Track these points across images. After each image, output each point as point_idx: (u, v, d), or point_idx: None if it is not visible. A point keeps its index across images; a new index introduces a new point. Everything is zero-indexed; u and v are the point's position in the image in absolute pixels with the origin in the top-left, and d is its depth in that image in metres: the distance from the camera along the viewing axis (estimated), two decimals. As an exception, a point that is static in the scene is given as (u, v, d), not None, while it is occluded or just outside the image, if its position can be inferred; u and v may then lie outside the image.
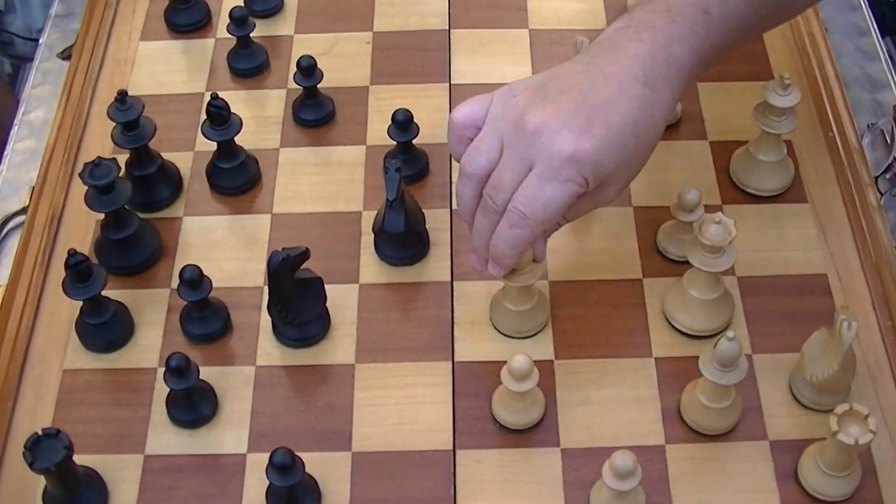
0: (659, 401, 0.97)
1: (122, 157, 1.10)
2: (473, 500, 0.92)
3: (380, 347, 1.01)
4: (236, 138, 1.11)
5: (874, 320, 1.03)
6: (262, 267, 1.06)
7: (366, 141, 1.17)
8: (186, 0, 1.28)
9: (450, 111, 1.19)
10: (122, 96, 1.06)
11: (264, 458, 0.87)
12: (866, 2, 1.44)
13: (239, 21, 1.20)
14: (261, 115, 1.20)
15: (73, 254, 0.96)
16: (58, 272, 1.04)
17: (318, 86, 1.17)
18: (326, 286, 1.00)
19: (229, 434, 0.96)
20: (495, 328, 1.02)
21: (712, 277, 0.99)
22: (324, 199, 1.12)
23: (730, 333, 0.88)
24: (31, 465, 0.85)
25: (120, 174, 1.02)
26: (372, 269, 1.07)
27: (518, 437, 0.96)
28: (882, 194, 1.24)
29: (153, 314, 1.04)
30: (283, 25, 1.29)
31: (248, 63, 1.24)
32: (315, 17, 1.30)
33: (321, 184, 1.14)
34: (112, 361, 1.01)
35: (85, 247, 1.09)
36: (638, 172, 0.95)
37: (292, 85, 1.20)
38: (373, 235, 1.08)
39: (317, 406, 0.98)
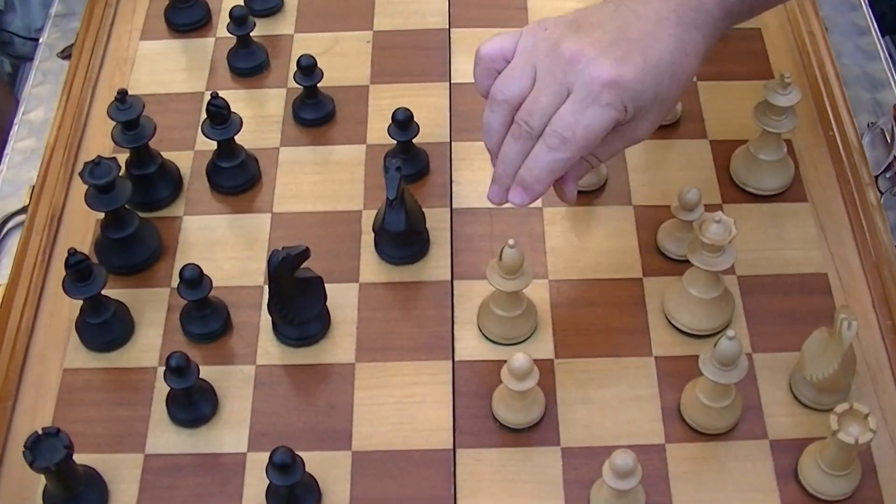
0: (659, 400, 0.97)
1: (123, 157, 1.10)
2: (474, 500, 0.92)
3: (380, 346, 1.01)
4: (236, 137, 1.11)
5: (874, 319, 1.03)
6: (263, 266, 1.06)
7: (366, 140, 1.17)
8: (186, -1, 1.28)
9: (450, 111, 1.19)
10: (123, 95, 1.06)
11: (264, 457, 0.87)
12: (866, 1, 1.44)
13: (239, 20, 1.20)
14: (261, 114, 1.20)
15: (73, 253, 0.96)
16: (58, 271, 1.04)
17: (319, 85, 1.17)
18: (326, 285, 1.00)
19: (229, 433, 0.96)
20: (482, 334, 1.02)
21: (712, 276, 0.99)
22: (324, 198, 1.13)
23: (730, 332, 0.88)
24: (31, 465, 0.85)
25: (120, 173, 1.02)
26: (372, 268, 1.07)
27: (518, 436, 0.96)
28: (882, 193, 1.23)
29: (153, 313, 1.04)
30: (284, 24, 1.29)
31: (248, 62, 1.24)
32: (315, 16, 1.30)
33: (321, 183, 1.14)
34: (112, 361, 1.01)
35: (85, 246, 1.09)
36: (669, 111, 0.96)
37: (292, 84, 1.20)
38: (373, 235, 1.08)
39: (317, 405, 0.98)
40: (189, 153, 1.17)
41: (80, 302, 1.00)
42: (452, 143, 1.17)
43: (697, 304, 1.00)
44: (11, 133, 1.31)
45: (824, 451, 0.90)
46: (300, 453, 0.88)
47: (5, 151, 1.29)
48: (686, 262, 0.99)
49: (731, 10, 0.96)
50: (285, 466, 0.86)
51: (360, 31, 1.28)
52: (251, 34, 1.22)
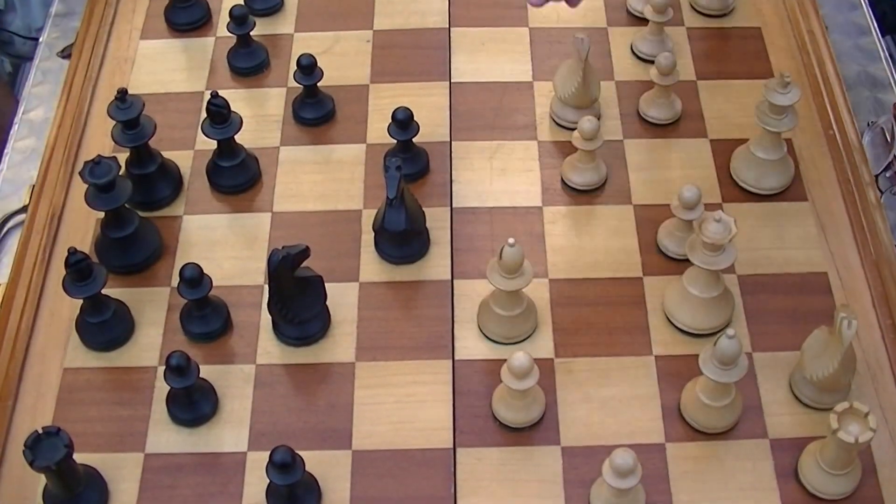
0: (659, 399, 0.97)
1: (123, 156, 1.10)
2: (474, 498, 0.92)
3: (380, 346, 1.01)
4: (236, 137, 1.11)
5: (874, 318, 1.03)
6: (263, 265, 1.06)
7: (366, 139, 1.17)
8: (186, -2, 1.28)
9: (450, 110, 1.19)
10: (123, 95, 1.06)
11: (264, 456, 0.87)
12: (866, 1, 1.44)
13: (239, 19, 1.20)
14: (261, 113, 1.20)
15: (73, 252, 0.96)
16: (58, 271, 1.04)
17: (319, 84, 1.17)
18: (326, 284, 1.00)
19: (229, 433, 0.96)
20: (483, 333, 1.02)
21: (712, 275, 0.99)
22: (324, 197, 1.13)
23: (730, 331, 0.88)
24: (31, 464, 0.85)
25: (120, 173, 1.02)
26: (372, 267, 1.07)
27: (518, 435, 0.96)
28: (882, 192, 1.23)
29: (153, 313, 1.04)
30: (284, 24, 1.29)
31: (249, 62, 1.24)
32: (315, 15, 1.30)
33: (321, 182, 1.14)
34: (112, 360, 1.01)
35: (85, 245, 1.09)
36: None
37: (292, 83, 1.20)
38: (373, 234, 1.08)
39: (317, 404, 0.98)
40: (189, 152, 1.17)
41: (81, 301, 0.99)
42: (452, 142, 1.17)
43: (697, 304, 1.00)
44: (11, 132, 1.31)
45: (824, 450, 0.90)
46: (300, 452, 0.88)
47: (5, 151, 1.29)
48: (686, 262, 0.99)
49: None
50: (285, 466, 0.86)
51: (360, 30, 1.28)
52: (251, 33, 1.22)
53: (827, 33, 1.27)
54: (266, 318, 1.03)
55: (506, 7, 1.30)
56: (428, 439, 0.95)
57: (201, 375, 0.95)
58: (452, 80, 1.23)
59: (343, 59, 1.25)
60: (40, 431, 0.86)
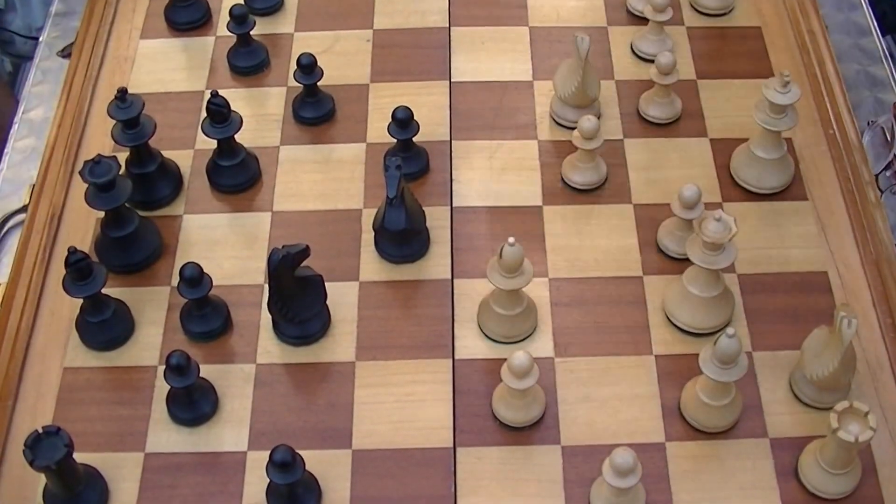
0: (659, 398, 0.97)
1: (123, 155, 1.10)
2: (474, 498, 0.92)
3: (380, 345, 1.01)
4: (236, 136, 1.11)
5: (874, 318, 1.03)
6: (263, 265, 1.06)
7: (366, 139, 1.17)
8: (186, -2, 1.28)
9: (450, 109, 1.19)
10: (123, 94, 1.06)
11: (264, 455, 0.87)
12: (866, 0, 1.44)
13: (239, 19, 1.20)
14: (261, 112, 1.20)
15: (73, 252, 0.96)
16: (58, 270, 1.04)
17: (319, 83, 1.17)
18: (327, 284, 1.00)
19: (229, 432, 0.96)
20: (483, 333, 1.02)
21: (712, 275, 0.99)
22: (324, 196, 1.12)
23: (730, 330, 0.88)
24: (31, 464, 0.85)
25: (120, 172, 1.02)
26: (372, 266, 1.07)
27: (518, 434, 0.96)
28: (882, 191, 1.24)
29: (153, 312, 1.04)
30: (284, 23, 1.29)
31: (249, 61, 1.24)
32: (315, 14, 1.30)
33: (321, 181, 1.14)
34: (112, 359, 1.01)
35: (85, 245, 1.09)
36: None
37: (292, 83, 1.20)
38: (373, 233, 1.08)
39: (317, 404, 0.98)
40: (189, 152, 1.17)
41: (81, 301, 0.99)
42: (452, 141, 1.17)
43: (697, 303, 1.00)
44: (11, 132, 1.31)
45: (824, 449, 0.90)
46: (300, 452, 0.88)
47: (5, 150, 1.29)
48: (686, 261, 0.99)
49: None
50: (285, 465, 0.86)
51: (360, 29, 1.28)
52: (251, 33, 1.22)
53: (827, 33, 1.27)
54: (266, 318, 1.03)
55: (506, 6, 1.30)
56: (428, 438, 0.95)
57: (201, 375, 0.95)
58: (452, 80, 1.23)
59: (343, 58, 1.25)
60: (40, 431, 0.86)
